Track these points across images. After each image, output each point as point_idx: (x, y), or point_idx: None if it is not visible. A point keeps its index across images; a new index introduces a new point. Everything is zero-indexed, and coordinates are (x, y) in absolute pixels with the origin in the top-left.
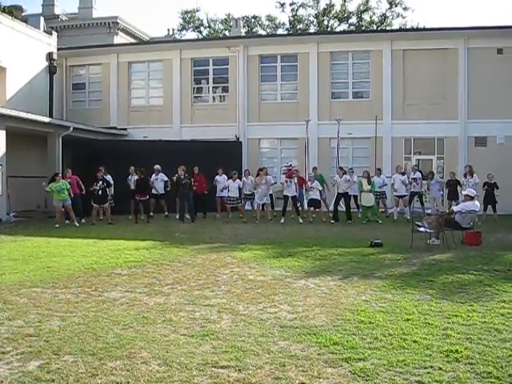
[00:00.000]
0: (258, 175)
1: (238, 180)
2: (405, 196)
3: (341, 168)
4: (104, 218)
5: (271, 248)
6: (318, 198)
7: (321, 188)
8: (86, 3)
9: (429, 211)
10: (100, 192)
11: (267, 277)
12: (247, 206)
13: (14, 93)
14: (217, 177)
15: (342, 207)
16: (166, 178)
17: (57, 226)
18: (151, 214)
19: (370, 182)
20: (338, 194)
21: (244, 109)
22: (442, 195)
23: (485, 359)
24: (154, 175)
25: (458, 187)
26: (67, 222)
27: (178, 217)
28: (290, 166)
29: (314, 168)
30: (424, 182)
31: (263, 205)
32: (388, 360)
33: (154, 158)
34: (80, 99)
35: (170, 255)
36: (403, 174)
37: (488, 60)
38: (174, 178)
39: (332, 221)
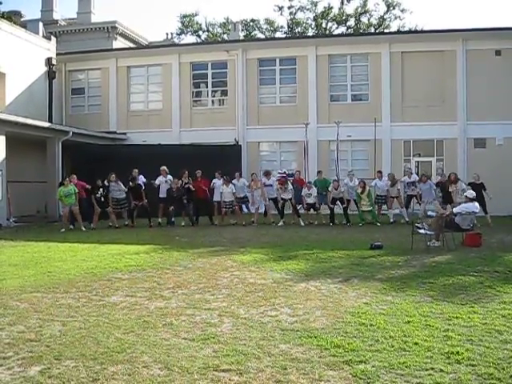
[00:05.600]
0: (252, 180)
1: (230, 185)
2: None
3: (336, 181)
4: (112, 222)
5: (271, 251)
6: (315, 201)
7: (316, 194)
8: (85, 8)
9: (429, 213)
10: (102, 199)
11: (268, 280)
12: (244, 209)
13: (14, 98)
14: (215, 180)
15: (340, 208)
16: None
17: (62, 230)
18: (160, 220)
19: (363, 192)
20: (333, 198)
21: (243, 112)
22: (435, 198)
23: (486, 361)
24: (161, 177)
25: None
26: (71, 226)
27: (186, 222)
28: (284, 173)
29: (319, 172)
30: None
31: (265, 209)
32: (389, 362)
33: (154, 162)
34: (79, 104)
35: (170, 259)
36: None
37: (486, 61)
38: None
39: (330, 223)
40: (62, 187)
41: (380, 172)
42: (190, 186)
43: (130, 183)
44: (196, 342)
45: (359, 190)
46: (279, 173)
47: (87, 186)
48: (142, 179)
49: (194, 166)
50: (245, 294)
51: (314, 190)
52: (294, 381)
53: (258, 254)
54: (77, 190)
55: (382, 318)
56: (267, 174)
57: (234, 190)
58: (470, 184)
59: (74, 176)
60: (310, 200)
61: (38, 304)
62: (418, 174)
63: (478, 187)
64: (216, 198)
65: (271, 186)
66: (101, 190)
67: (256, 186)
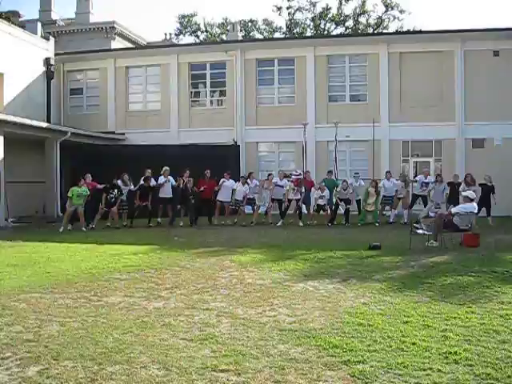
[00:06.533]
0: (267, 179)
1: (246, 185)
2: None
3: (345, 181)
4: (112, 222)
5: (270, 251)
6: (326, 203)
7: (328, 197)
8: (83, 8)
9: (430, 213)
10: (113, 200)
11: (266, 280)
12: (248, 210)
13: (12, 98)
14: (224, 180)
15: (340, 210)
16: (174, 182)
17: (60, 230)
18: (159, 220)
19: (377, 191)
20: (339, 198)
21: (241, 112)
22: (444, 201)
23: (484, 361)
24: (162, 177)
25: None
26: (69, 227)
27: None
28: (300, 174)
29: (329, 172)
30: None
31: (267, 209)
32: (387, 362)
33: (153, 163)
34: (77, 104)
35: (168, 259)
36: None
37: (484, 62)
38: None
39: (329, 224)
40: (75, 187)
41: (389, 172)
42: (202, 188)
43: (144, 182)
44: (194, 343)
45: (371, 189)
46: (294, 174)
47: (98, 186)
48: (152, 181)
49: (192, 167)
50: (243, 295)
51: (327, 192)
52: (293, 381)
53: (257, 255)
54: (88, 193)
55: (380, 319)
56: (284, 175)
57: (248, 192)
58: (480, 185)
59: (89, 175)
60: (322, 201)
61: (36, 304)
62: (416, 175)
63: (489, 189)
64: (220, 197)
65: (282, 187)
66: (116, 190)
67: (269, 185)
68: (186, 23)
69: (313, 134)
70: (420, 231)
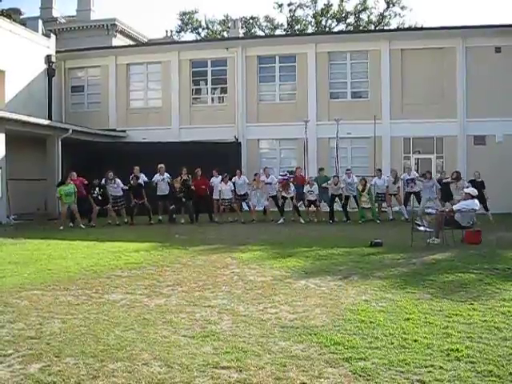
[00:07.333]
0: (254, 180)
1: (229, 182)
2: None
3: (336, 176)
4: (112, 219)
5: (271, 248)
6: (316, 198)
7: (317, 192)
8: (84, 5)
9: (429, 210)
10: (99, 197)
11: (267, 277)
12: (245, 207)
13: (13, 96)
14: (213, 179)
15: (339, 205)
16: (168, 180)
17: (61, 228)
18: (160, 217)
19: (364, 189)
20: (332, 194)
21: (243, 110)
22: (436, 197)
23: (485, 358)
24: (158, 175)
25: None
26: (71, 224)
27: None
28: (286, 175)
29: (321, 169)
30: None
31: (264, 208)
32: (389, 359)
33: (154, 160)
34: (79, 101)
35: (170, 256)
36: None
37: (486, 59)
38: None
39: (330, 221)
40: (62, 186)
41: (379, 170)
42: (192, 187)
43: (132, 182)
44: (196, 340)
45: (360, 188)
46: (281, 175)
47: (86, 182)
48: (143, 178)
49: (193, 164)
50: (244, 292)
51: (315, 188)
52: (294, 378)
53: (258, 252)
54: (76, 189)
55: (381, 316)
56: (266, 171)
57: (233, 188)
58: (470, 181)
59: (74, 173)
60: (312, 197)
61: (37, 301)
62: (418, 172)
63: (478, 185)
64: (215, 195)
65: (270, 184)
66: (97, 189)
67: (258, 185)
68: (187, 20)
69: (314, 131)
70: (421, 228)
